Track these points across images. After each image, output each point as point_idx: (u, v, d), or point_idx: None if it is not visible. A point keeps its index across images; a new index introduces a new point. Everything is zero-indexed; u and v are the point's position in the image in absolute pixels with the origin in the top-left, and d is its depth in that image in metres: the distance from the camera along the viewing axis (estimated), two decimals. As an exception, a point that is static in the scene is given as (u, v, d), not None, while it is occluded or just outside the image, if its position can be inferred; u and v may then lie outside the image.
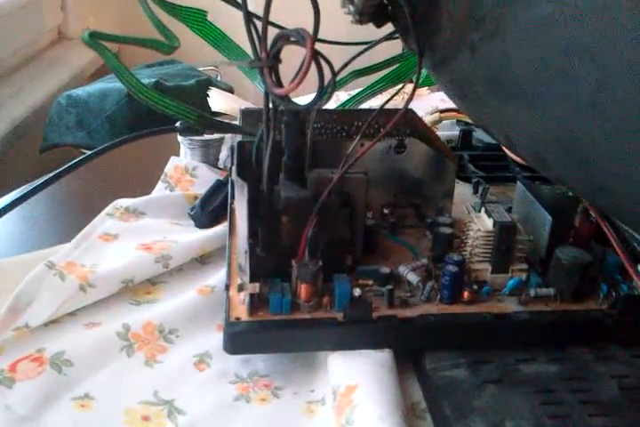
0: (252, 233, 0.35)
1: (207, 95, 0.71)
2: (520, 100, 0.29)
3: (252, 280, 0.34)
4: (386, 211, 0.44)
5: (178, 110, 0.37)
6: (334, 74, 0.32)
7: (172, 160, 0.55)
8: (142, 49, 0.39)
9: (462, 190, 0.49)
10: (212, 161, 0.57)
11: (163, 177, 0.54)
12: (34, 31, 1.12)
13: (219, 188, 0.51)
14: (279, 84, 0.33)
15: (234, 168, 0.38)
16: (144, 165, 0.60)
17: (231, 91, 1.00)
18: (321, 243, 0.36)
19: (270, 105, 0.35)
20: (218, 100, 0.65)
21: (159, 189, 0.54)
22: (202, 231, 0.47)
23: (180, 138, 0.57)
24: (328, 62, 0.32)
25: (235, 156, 0.39)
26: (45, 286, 0.38)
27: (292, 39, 0.31)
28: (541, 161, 0.30)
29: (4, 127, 0.85)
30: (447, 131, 0.62)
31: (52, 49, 1.16)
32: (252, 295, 0.34)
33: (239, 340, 0.34)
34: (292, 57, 0.36)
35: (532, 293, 0.36)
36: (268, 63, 0.33)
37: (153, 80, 0.83)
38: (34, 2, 1.12)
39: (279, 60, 0.33)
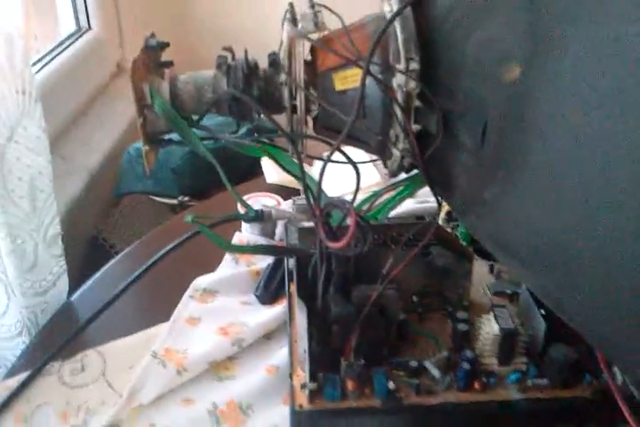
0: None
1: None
2: (516, 261, 0.38)
3: (311, 379, 0.45)
4: (415, 299, 0.54)
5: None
6: (370, 233, 0.41)
7: (237, 236, 0.66)
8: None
9: (480, 269, 0.59)
10: (269, 234, 0.68)
11: (229, 251, 0.65)
12: (97, 72, 1.18)
13: (277, 266, 0.62)
14: (332, 235, 0.42)
15: (294, 286, 0.48)
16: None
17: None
18: (364, 342, 0.46)
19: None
20: (272, 172, 0.74)
21: (226, 260, 0.65)
22: (265, 310, 0.57)
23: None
24: (367, 223, 0.41)
25: (295, 272, 0.49)
26: (152, 374, 0.49)
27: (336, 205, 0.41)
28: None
29: (84, 175, 0.96)
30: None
31: (112, 84, 1.21)
32: (310, 391, 0.45)
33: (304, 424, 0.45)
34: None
35: (530, 383, 0.46)
36: (321, 219, 0.42)
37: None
38: (97, 39, 1.20)
39: (330, 216, 0.43)
